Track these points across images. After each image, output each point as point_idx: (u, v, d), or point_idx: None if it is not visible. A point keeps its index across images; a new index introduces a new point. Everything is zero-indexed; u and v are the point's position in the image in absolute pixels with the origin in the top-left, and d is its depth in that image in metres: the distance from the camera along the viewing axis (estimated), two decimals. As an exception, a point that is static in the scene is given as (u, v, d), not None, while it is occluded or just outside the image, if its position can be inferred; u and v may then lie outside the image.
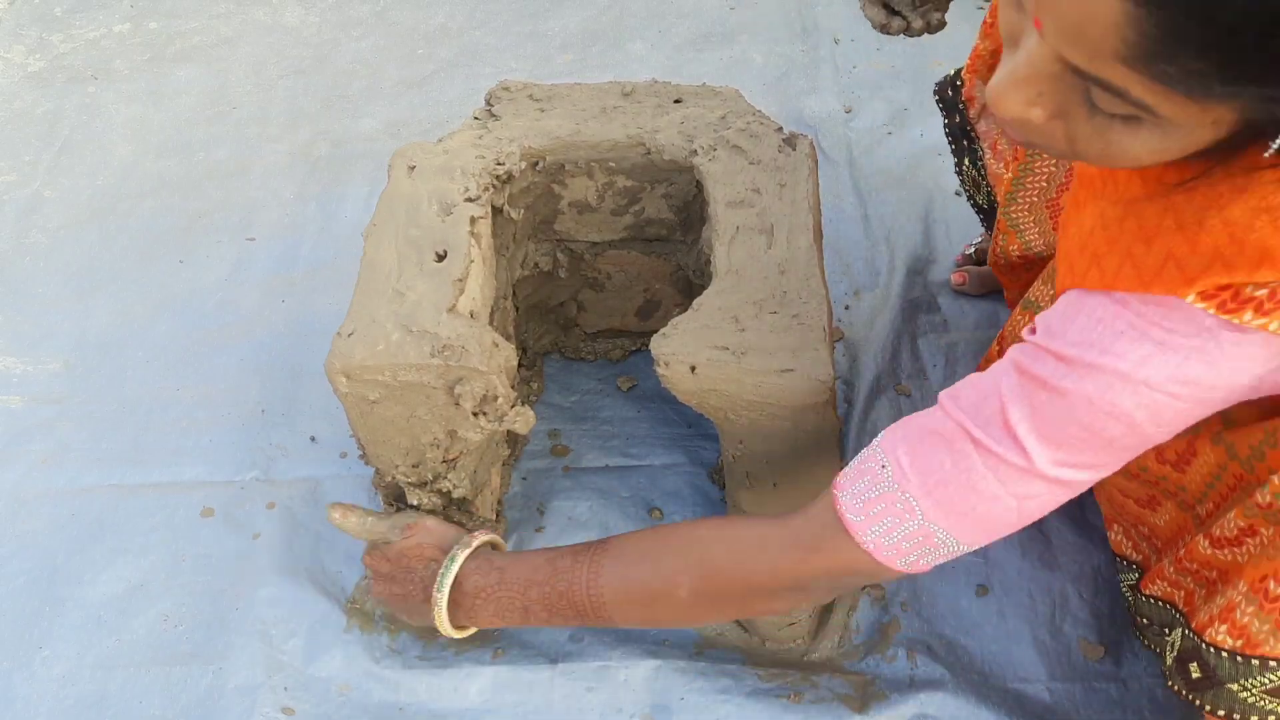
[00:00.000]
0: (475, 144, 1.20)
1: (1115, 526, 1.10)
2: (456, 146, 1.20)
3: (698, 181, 1.19)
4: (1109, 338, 0.71)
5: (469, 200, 1.14)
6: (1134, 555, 1.08)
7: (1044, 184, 1.17)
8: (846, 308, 1.49)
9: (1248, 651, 0.87)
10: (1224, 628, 0.88)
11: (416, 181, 1.16)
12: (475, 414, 1.04)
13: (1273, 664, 0.86)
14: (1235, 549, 0.88)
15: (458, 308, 1.05)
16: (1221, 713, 0.90)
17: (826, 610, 1.20)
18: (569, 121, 1.24)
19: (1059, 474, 0.75)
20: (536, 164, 1.23)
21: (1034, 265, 1.27)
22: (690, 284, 1.30)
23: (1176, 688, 0.94)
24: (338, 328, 1.04)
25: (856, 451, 1.32)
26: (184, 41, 2.00)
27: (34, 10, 2.09)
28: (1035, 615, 1.18)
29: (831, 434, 1.04)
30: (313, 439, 1.38)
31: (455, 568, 0.99)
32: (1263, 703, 0.88)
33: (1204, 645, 0.90)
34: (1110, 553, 1.21)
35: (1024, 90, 0.64)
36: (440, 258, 1.09)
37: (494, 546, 1.05)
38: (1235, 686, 0.88)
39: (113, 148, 1.80)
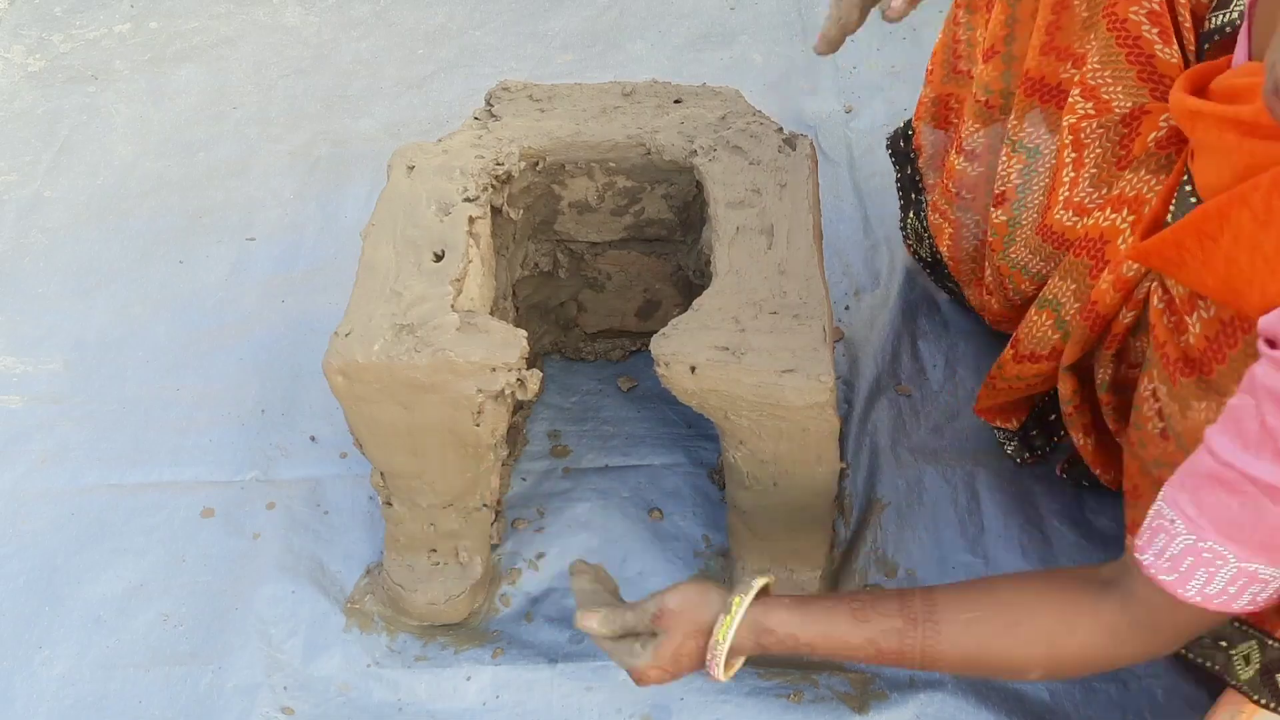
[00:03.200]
0: (474, 144, 1.20)
1: None
2: (456, 146, 1.20)
3: (698, 182, 1.19)
4: None
5: (467, 200, 1.14)
6: None
7: (1035, 217, 1.18)
8: (846, 308, 1.49)
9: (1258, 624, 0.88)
10: None
11: (415, 181, 1.16)
12: (478, 414, 1.05)
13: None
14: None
15: (455, 307, 1.05)
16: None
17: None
18: (569, 122, 1.24)
19: None
20: (536, 164, 1.23)
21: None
22: (690, 284, 1.30)
23: (1265, 702, 0.94)
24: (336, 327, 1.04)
25: (856, 452, 1.33)
26: (184, 41, 1.99)
27: (34, 10, 2.09)
28: (1035, 615, 1.18)
29: (831, 434, 1.04)
30: (313, 439, 1.38)
31: (728, 643, 0.91)
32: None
33: None
34: (1110, 554, 1.21)
35: None
36: (438, 258, 1.09)
37: (765, 590, 0.95)
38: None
39: (113, 148, 1.80)
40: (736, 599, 0.91)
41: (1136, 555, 0.81)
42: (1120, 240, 1.06)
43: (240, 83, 1.91)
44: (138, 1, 2.09)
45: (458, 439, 1.07)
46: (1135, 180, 1.05)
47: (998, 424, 1.30)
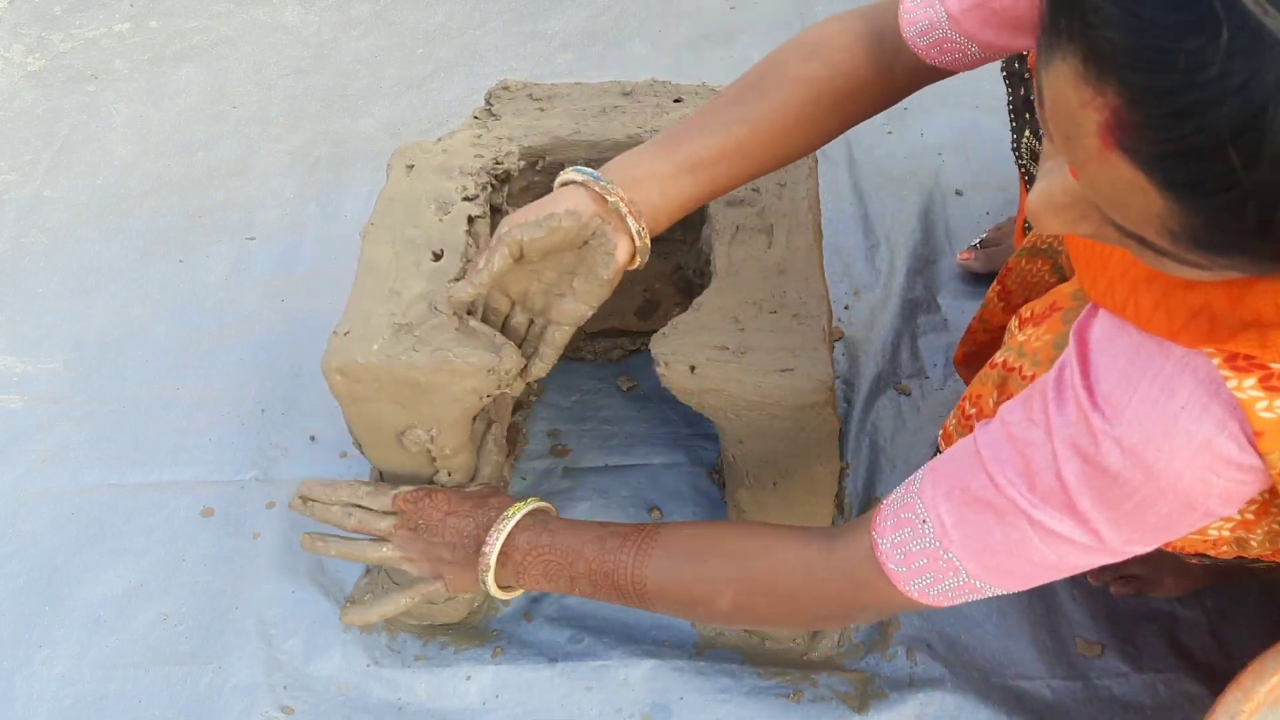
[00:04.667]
0: (474, 143, 1.20)
1: None
2: (455, 146, 1.20)
3: (697, 181, 1.19)
4: (1169, 419, 0.66)
5: (467, 200, 1.14)
6: None
7: None
8: (846, 308, 1.48)
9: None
10: None
11: (414, 181, 1.16)
12: (476, 417, 1.05)
13: None
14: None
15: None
16: None
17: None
18: (569, 121, 1.24)
19: (1129, 550, 0.73)
20: (536, 163, 1.23)
21: None
22: (690, 284, 1.30)
23: None
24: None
25: (856, 452, 1.33)
26: (184, 41, 2.00)
27: (34, 10, 2.09)
28: (1035, 613, 1.18)
29: (831, 434, 1.04)
30: (313, 439, 1.38)
31: (511, 524, 0.98)
32: None
33: None
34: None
35: (1064, 215, 0.61)
36: (437, 257, 1.09)
37: (544, 514, 1.04)
38: None
39: (113, 147, 1.80)
40: (530, 500, 1.01)
41: (874, 534, 0.81)
42: None
43: (240, 82, 1.91)
44: (137, 1, 2.09)
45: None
46: None
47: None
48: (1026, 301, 1.17)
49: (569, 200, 0.92)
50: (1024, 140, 1.31)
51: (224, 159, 1.77)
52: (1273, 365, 0.63)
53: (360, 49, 1.97)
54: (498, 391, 1.03)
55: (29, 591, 1.25)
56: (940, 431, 0.97)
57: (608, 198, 0.91)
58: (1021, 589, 0.78)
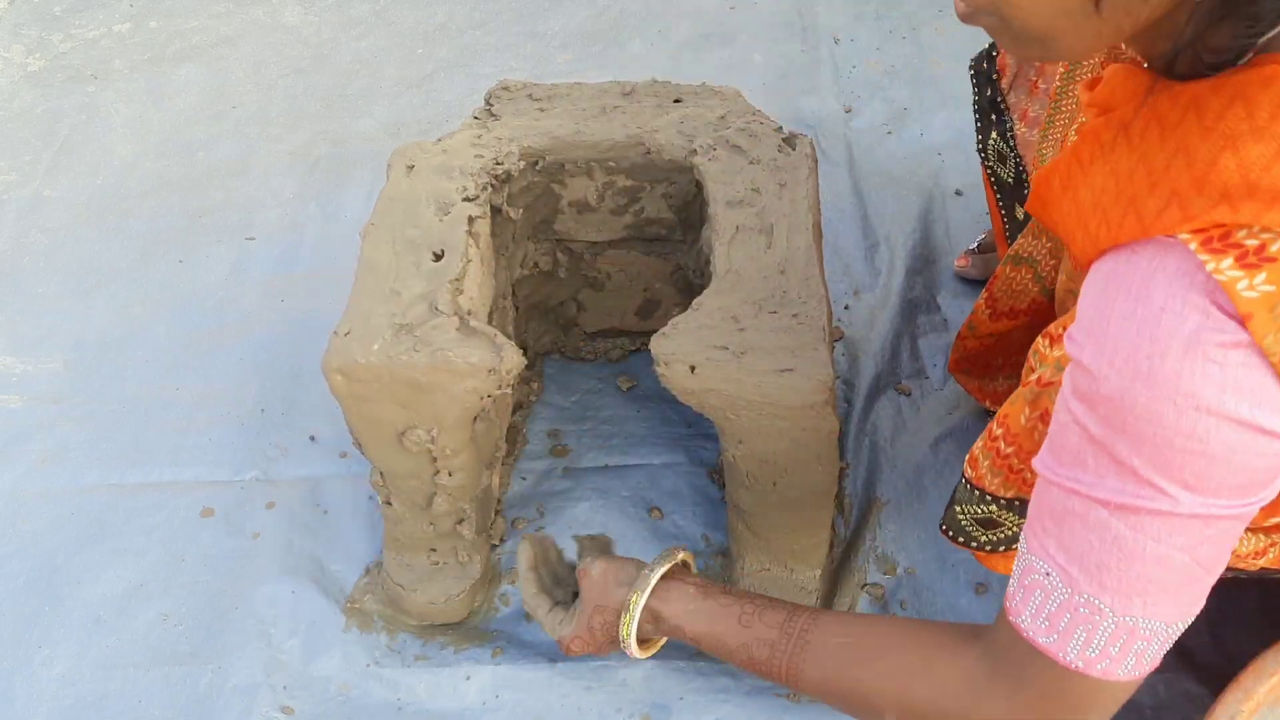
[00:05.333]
0: (474, 143, 1.20)
1: None
2: (455, 146, 1.20)
3: (697, 181, 1.19)
4: (1151, 323, 0.64)
5: (467, 200, 1.14)
6: None
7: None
8: (846, 308, 1.48)
9: (976, 484, 0.93)
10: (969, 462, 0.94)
11: (415, 181, 1.16)
12: (477, 417, 1.05)
13: (989, 497, 0.91)
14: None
15: (455, 307, 1.05)
16: (945, 528, 0.98)
17: (826, 609, 1.19)
18: (569, 121, 1.24)
19: (1210, 505, 0.66)
20: (536, 163, 1.23)
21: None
22: (690, 284, 1.30)
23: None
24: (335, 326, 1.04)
25: (856, 451, 1.33)
26: (184, 41, 2.00)
27: (34, 10, 2.09)
28: (1035, 615, 1.18)
29: (831, 434, 1.04)
30: (313, 439, 1.38)
31: (642, 602, 0.95)
32: (972, 528, 0.95)
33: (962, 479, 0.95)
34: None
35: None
36: (438, 257, 1.09)
37: (685, 565, 1.00)
38: (959, 510, 0.95)
39: (113, 147, 1.80)
40: (635, 594, 0.95)
41: (1011, 618, 0.75)
42: None
43: (240, 82, 1.91)
44: (137, 1, 2.09)
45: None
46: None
47: (968, 387, 1.32)
48: (1012, 310, 1.19)
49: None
50: (990, 142, 1.32)
51: (224, 159, 1.77)
52: (1247, 242, 0.61)
53: (360, 49, 1.97)
54: (498, 391, 1.03)
55: (29, 591, 1.25)
56: (966, 458, 0.95)
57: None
58: (1181, 614, 0.71)
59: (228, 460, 1.36)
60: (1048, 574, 0.72)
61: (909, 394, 1.39)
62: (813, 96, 1.81)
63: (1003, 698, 0.76)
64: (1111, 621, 0.70)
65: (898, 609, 1.20)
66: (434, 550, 1.18)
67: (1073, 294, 0.96)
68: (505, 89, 1.29)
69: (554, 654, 1.17)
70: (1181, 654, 1.14)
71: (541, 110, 1.26)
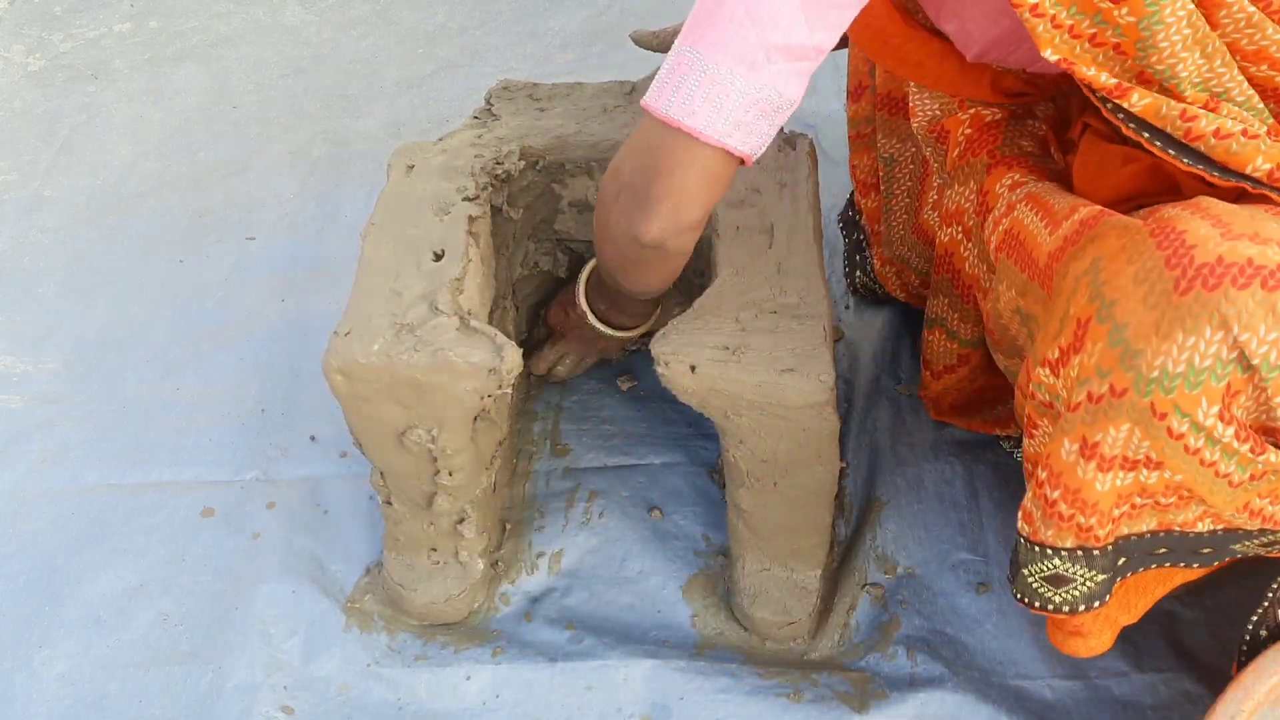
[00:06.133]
0: (474, 143, 1.21)
1: None
2: (455, 146, 1.20)
3: (697, 181, 1.19)
4: None
5: (467, 200, 1.14)
6: None
7: (907, 218, 1.26)
8: (846, 307, 1.49)
9: (1033, 539, 0.90)
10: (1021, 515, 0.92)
11: (415, 181, 1.16)
12: (478, 417, 1.05)
13: (1049, 551, 0.89)
14: (1031, 440, 0.92)
15: (455, 307, 1.05)
16: (1018, 596, 0.95)
17: (826, 609, 1.20)
18: (569, 121, 1.24)
19: None
20: (536, 163, 1.23)
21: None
22: (690, 284, 1.30)
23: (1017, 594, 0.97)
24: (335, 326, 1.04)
25: (856, 451, 1.33)
26: (184, 41, 2.00)
27: (34, 9, 2.09)
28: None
29: (832, 434, 1.04)
30: (313, 439, 1.38)
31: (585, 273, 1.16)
32: (1042, 589, 0.93)
33: (1018, 537, 0.94)
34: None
35: None
36: (438, 257, 1.09)
37: None
38: (1026, 572, 0.93)
39: (113, 147, 1.80)
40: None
41: (642, 101, 0.86)
42: (963, 250, 1.10)
43: (240, 82, 1.91)
44: (137, 1, 2.09)
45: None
46: (954, 194, 1.09)
47: (961, 425, 1.31)
48: (949, 366, 1.24)
49: None
50: (856, 279, 1.42)
51: (224, 159, 1.77)
52: None
53: (360, 49, 1.97)
54: (499, 391, 1.03)
55: (29, 591, 1.25)
56: (1019, 515, 0.93)
57: None
58: (725, 55, 0.81)
59: (228, 460, 1.36)
60: (678, 50, 0.83)
61: (909, 394, 1.39)
62: (813, 96, 1.80)
63: (622, 155, 0.93)
64: (699, 70, 0.81)
65: (898, 609, 1.20)
66: (434, 550, 1.18)
67: (1019, 314, 0.96)
68: (505, 89, 1.29)
69: (554, 654, 1.17)
70: (1181, 654, 1.14)
71: (542, 110, 1.26)
